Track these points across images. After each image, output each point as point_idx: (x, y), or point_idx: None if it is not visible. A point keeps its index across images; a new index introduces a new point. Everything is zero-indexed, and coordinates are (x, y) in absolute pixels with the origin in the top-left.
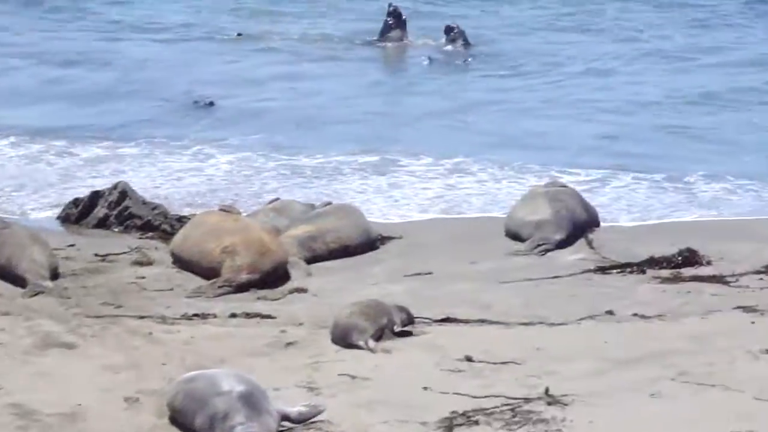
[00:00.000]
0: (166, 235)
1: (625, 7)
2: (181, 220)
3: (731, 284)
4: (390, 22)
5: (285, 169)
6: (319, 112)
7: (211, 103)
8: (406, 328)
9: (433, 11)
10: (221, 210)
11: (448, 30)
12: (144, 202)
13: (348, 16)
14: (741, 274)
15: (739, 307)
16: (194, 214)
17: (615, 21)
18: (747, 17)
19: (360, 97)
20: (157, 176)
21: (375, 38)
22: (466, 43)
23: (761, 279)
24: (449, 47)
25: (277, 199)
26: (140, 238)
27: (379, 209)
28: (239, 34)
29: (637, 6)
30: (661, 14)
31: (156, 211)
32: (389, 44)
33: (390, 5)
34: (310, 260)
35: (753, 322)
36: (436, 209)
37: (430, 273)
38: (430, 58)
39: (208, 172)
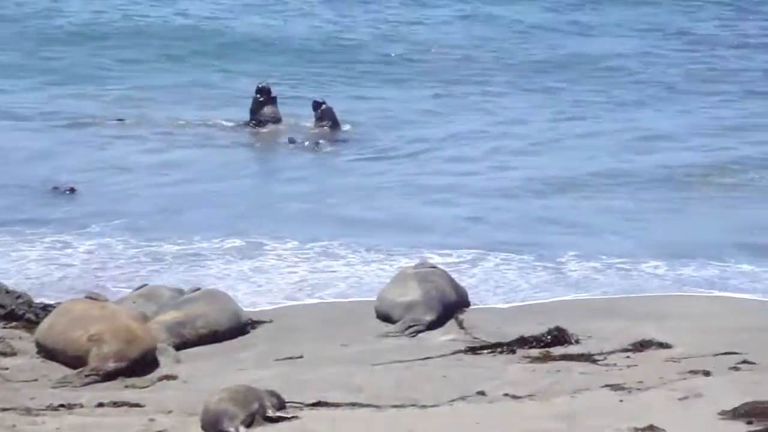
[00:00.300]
0: (31, 324)
1: (489, 92)
2: (46, 308)
3: (599, 362)
4: (260, 98)
5: (146, 255)
6: (184, 198)
7: (72, 190)
8: (277, 413)
9: (300, 95)
10: (87, 297)
11: (316, 106)
12: (7, 291)
13: (216, 101)
14: (609, 353)
15: (607, 386)
16: (59, 302)
17: (482, 105)
18: (605, 96)
19: (224, 180)
20: (10, 267)
21: (246, 119)
22: (335, 123)
23: (628, 357)
24: (316, 130)
25: (145, 284)
26: (3, 328)
27: (244, 294)
28: (120, 120)
29: (501, 89)
30: (525, 98)
31: (20, 300)
32: (261, 127)
33: (259, 83)
34: (180, 346)
35: (621, 401)
36: (305, 293)
37: (300, 357)
38: (293, 140)
39: (63, 261)
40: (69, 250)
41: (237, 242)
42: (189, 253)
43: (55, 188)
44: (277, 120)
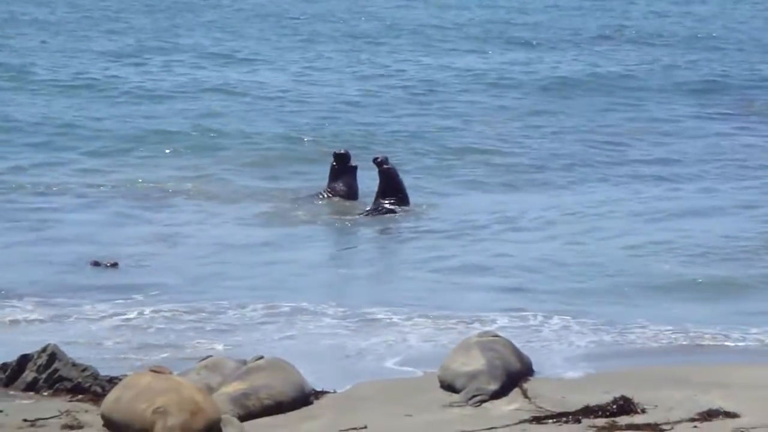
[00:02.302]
0: (97, 397)
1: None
2: (112, 381)
3: None
4: (335, 165)
5: (184, 325)
6: (225, 270)
7: (115, 265)
8: None
9: None
10: (151, 370)
11: (377, 164)
12: (74, 364)
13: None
14: (676, 422)
15: None
16: (125, 375)
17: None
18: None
19: (275, 246)
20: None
21: (320, 191)
22: (395, 188)
23: (695, 427)
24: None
25: (210, 356)
26: (70, 401)
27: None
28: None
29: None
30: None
31: (86, 373)
32: (332, 199)
33: (337, 149)
34: (244, 417)
35: None
36: (367, 361)
37: (365, 428)
38: (369, 211)
39: (103, 334)
40: (108, 321)
41: (285, 307)
42: (242, 319)
43: (96, 263)
44: (351, 194)
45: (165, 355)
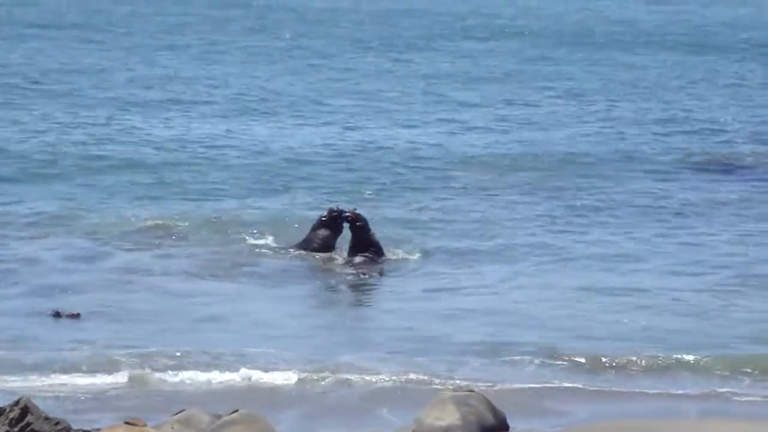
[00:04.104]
0: None
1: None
2: None
3: None
4: (323, 218)
5: (162, 379)
6: (200, 317)
7: (78, 315)
8: None
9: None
10: (126, 423)
11: (349, 220)
12: (47, 418)
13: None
14: None
15: None
16: (97, 429)
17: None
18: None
19: (239, 295)
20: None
21: (293, 243)
22: (365, 242)
23: None
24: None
25: (183, 409)
26: None
27: (270, 413)
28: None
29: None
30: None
31: (58, 427)
32: (306, 251)
33: (333, 205)
34: None
35: None
36: (339, 421)
37: None
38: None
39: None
40: (78, 374)
41: (251, 357)
42: (201, 373)
43: (57, 314)
44: (326, 246)
45: (138, 407)
